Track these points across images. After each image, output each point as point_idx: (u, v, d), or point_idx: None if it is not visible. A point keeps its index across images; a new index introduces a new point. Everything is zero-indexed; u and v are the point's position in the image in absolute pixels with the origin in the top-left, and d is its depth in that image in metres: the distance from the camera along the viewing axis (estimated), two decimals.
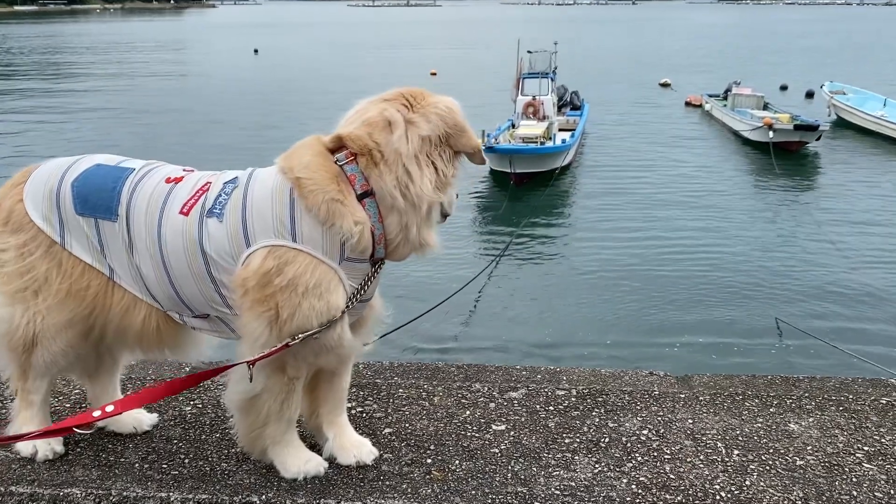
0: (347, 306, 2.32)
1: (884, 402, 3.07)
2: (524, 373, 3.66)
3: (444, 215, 2.46)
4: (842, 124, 29.14)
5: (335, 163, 2.30)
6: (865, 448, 2.71)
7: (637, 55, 60.55)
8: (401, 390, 3.17)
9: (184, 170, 2.54)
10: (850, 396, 3.12)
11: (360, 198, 2.28)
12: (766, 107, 29.68)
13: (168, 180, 2.46)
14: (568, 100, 29.51)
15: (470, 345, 11.27)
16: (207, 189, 2.40)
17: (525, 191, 20.16)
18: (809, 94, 37.62)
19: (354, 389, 3.14)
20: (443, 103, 2.39)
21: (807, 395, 3.15)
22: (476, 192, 20.34)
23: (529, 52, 26.32)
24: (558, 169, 21.33)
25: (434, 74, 50.09)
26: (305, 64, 55.47)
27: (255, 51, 66.94)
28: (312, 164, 2.29)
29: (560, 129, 24.82)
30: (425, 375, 3.42)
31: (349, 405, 2.92)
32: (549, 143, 21.59)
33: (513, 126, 23.99)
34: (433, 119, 2.34)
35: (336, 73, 49.22)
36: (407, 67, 52.53)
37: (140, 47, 72.00)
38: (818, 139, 24.52)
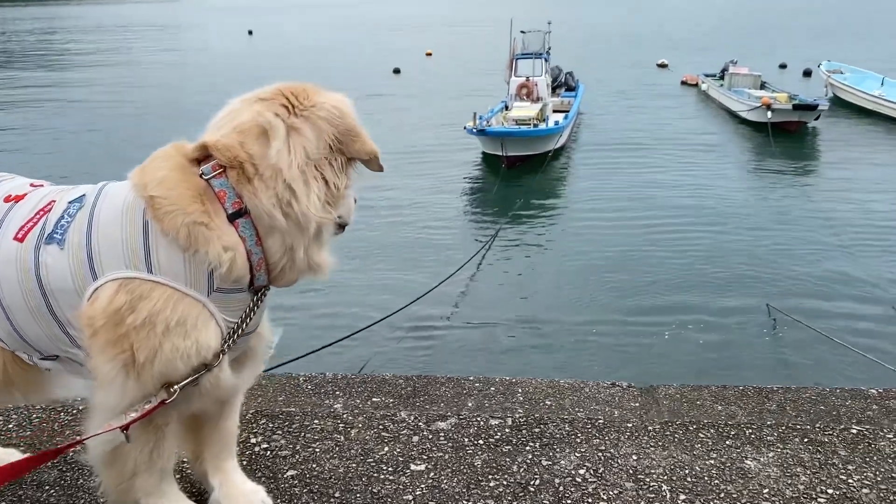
0: (225, 344, 1.98)
1: (854, 431, 2.76)
2: (477, 384, 3.37)
3: (342, 226, 2.11)
4: (839, 103, 28.70)
5: (200, 176, 1.92)
6: (830, 491, 2.40)
7: (634, 34, 59.82)
8: (315, 422, 2.85)
9: (31, 184, 2.17)
10: (818, 426, 2.80)
11: (232, 217, 1.92)
12: (763, 86, 29.32)
13: (7, 199, 2.08)
14: (562, 81, 29.09)
15: (453, 335, 11.00)
16: (50, 209, 2.03)
17: (517, 174, 19.81)
18: (807, 73, 37.21)
19: (264, 420, 2.83)
20: (330, 103, 2.01)
21: (771, 422, 2.84)
22: (467, 176, 20.00)
23: (523, 32, 25.88)
24: (551, 152, 20.96)
25: (430, 55, 49.66)
26: (300, 45, 54.87)
27: (250, 32, 66.31)
28: (169, 178, 1.92)
29: (554, 111, 24.47)
30: (366, 391, 3.12)
31: (254, 440, 2.61)
32: (543, 126, 21.19)
33: (506, 108, 23.63)
34: (320, 123, 1.96)
35: (330, 54, 48.70)
36: (403, 47, 51.96)
37: (135, 30, 71.26)
38: (817, 119, 24.21)
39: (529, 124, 21.05)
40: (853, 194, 17.77)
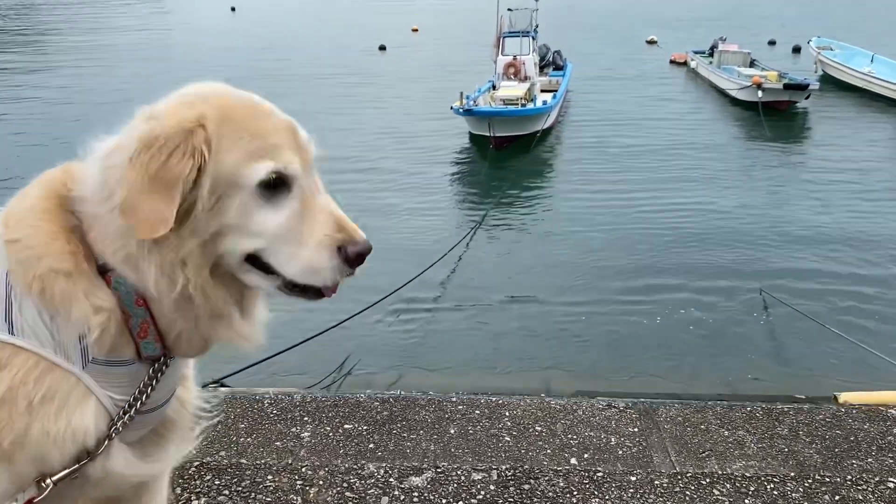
0: (112, 428, 1.59)
1: (891, 486, 2.49)
2: (460, 407, 3.13)
3: (294, 286, 1.64)
4: (828, 80, 28.46)
5: (73, 213, 1.56)
6: None
7: (622, 10, 59.23)
8: (269, 478, 2.55)
9: None
10: (849, 478, 2.53)
11: (104, 271, 1.54)
12: (752, 64, 29.05)
13: None
14: (550, 59, 28.69)
15: (439, 323, 10.77)
16: None
17: (506, 155, 19.50)
18: (796, 50, 36.96)
19: (210, 477, 2.53)
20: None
21: (793, 474, 2.58)
22: (454, 157, 19.65)
23: (510, 9, 25.42)
24: (540, 132, 20.63)
25: (416, 31, 49.04)
26: (283, 21, 53.96)
27: (233, 8, 65.22)
28: (34, 212, 1.54)
29: (542, 90, 24.12)
30: (338, 417, 2.85)
31: (196, 501, 2.31)
32: (531, 105, 20.82)
33: (493, 87, 23.24)
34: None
35: (314, 30, 47.98)
36: (389, 23, 51.23)
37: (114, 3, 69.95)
38: (807, 98, 24.00)
39: (517, 104, 20.69)
40: (847, 175, 17.60)
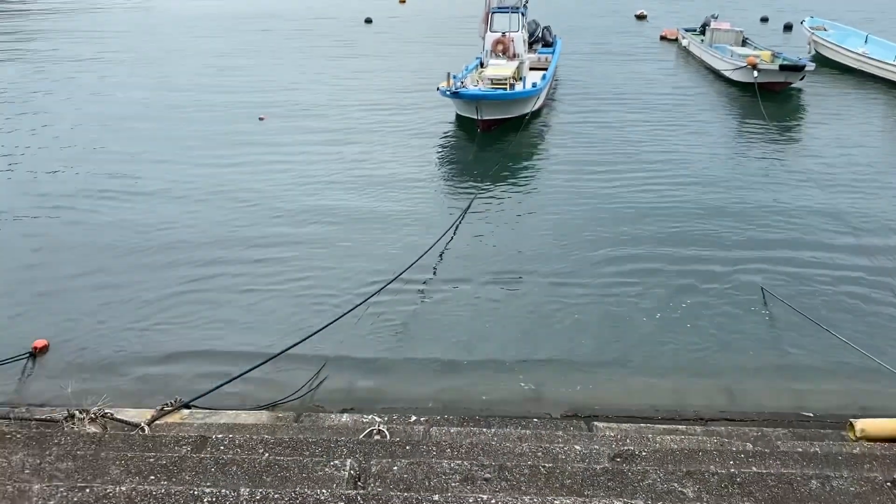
0: None
1: None
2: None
3: None
4: (821, 61, 27.96)
5: None
6: None
7: None
8: None
9: None
10: None
11: None
12: (744, 42, 28.50)
13: None
14: (539, 35, 27.92)
15: (427, 314, 10.32)
16: None
17: (493, 138, 18.94)
18: (787, 27, 36.41)
19: None
20: None
21: None
22: (440, 141, 19.05)
23: None
24: (529, 114, 20.04)
25: (403, 2, 48.06)
26: None
27: None
28: None
29: (531, 69, 23.45)
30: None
31: None
32: (519, 86, 20.19)
33: (481, 65, 22.56)
34: None
35: (300, 1, 46.89)
36: None
37: None
38: (802, 79, 23.54)
39: (506, 84, 20.05)
40: (850, 159, 17.17)
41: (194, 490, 2.76)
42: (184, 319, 10.05)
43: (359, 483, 2.95)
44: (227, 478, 3.08)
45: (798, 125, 20.68)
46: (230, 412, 6.87)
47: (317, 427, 5.73)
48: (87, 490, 2.86)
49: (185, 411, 6.87)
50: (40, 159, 17.10)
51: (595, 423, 6.76)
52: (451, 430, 5.43)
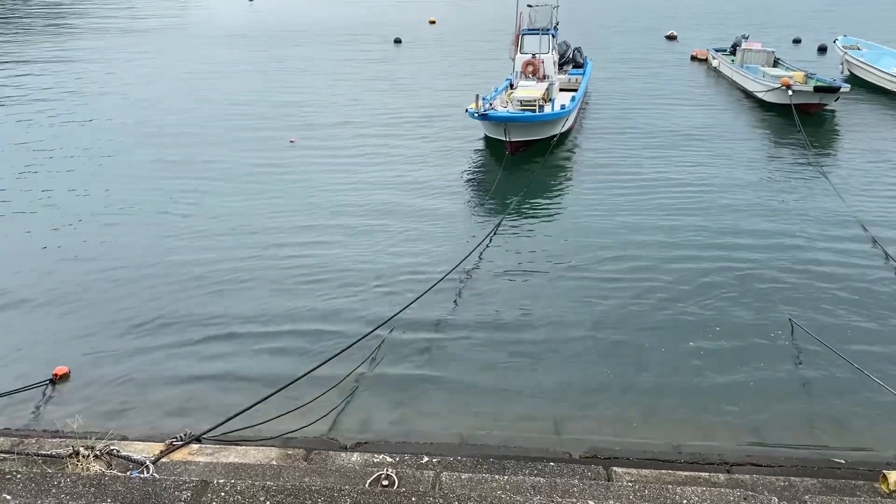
0: None
1: None
2: None
3: None
4: (855, 81, 27.41)
5: None
6: None
7: (642, 4, 58.08)
8: None
9: None
10: None
11: None
12: (776, 63, 28.12)
13: None
14: (570, 57, 27.81)
15: (449, 339, 10.17)
16: None
17: (522, 160, 18.79)
18: (822, 49, 35.85)
19: None
20: None
21: None
22: (469, 164, 18.93)
23: (530, 6, 24.56)
24: (557, 136, 19.87)
25: (433, 23, 48.26)
26: (299, 13, 53.29)
27: (250, 0, 64.64)
28: None
29: (561, 89, 23.33)
30: None
31: None
32: (548, 108, 20.05)
33: (510, 86, 22.48)
34: None
35: (331, 22, 47.30)
36: (406, 14, 50.49)
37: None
38: (836, 100, 23.08)
39: (535, 106, 19.92)
40: (887, 185, 16.69)
41: None
42: (203, 349, 9.99)
43: None
44: None
45: (835, 148, 20.16)
46: (239, 448, 6.75)
47: (325, 469, 5.58)
48: None
49: (195, 446, 6.76)
50: (78, 185, 17.29)
51: (614, 468, 6.51)
52: (463, 477, 5.25)
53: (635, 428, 8.21)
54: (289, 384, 8.21)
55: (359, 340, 9.46)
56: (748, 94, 26.06)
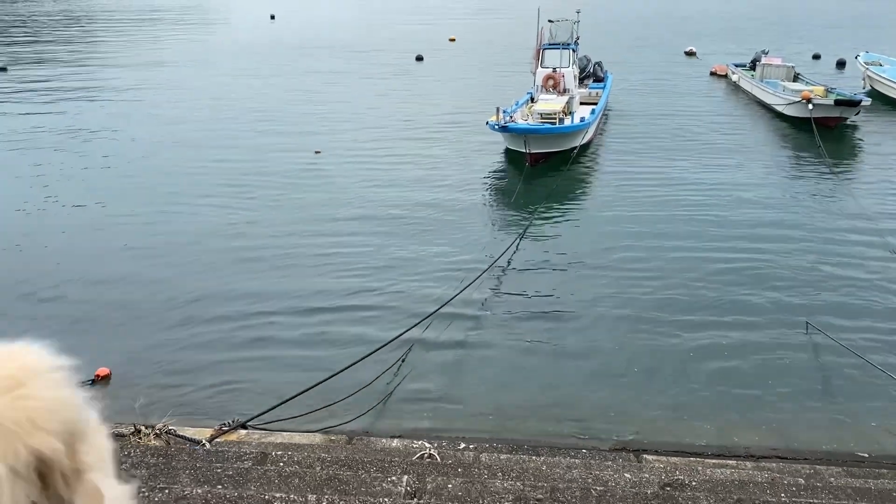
0: None
1: None
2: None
3: None
4: (876, 97, 27.56)
5: None
6: None
7: (661, 21, 58.46)
8: None
9: None
10: None
11: None
12: (796, 78, 28.29)
13: None
14: (591, 71, 28.15)
15: (467, 357, 10.31)
16: None
17: (541, 172, 19.09)
18: (840, 64, 36.04)
19: None
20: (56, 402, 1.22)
21: None
22: (489, 174, 19.27)
23: (550, 21, 24.97)
24: (577, 148, 20.17)
25: (453, 41, 48.80)
26: (321, 31, 54.06)
27: (272, 17, 65.63)
28: None
29: (582, 103, 23.64)
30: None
31: None
32: (568, 121, 20.38)
33: (531, 100, 22.83)
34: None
35: (352, 40, 47.96)
36: (426, 32, 51.08)
37: (158, 11, 70.83)
38: (857, 114, 23.25)
39: (555, 119, 20.25)
40: None
41: (265, 495, 2.90)
42: (241, 343, 10.35)
43: (416, 498, 3.06)
44: (291, 489, 3.23)
45: (854, 161, 20.38)
46: (285, 434, 7.07)
47: (369, 449, 5.86)
48: (167, 491, 3.02)
49: (242, 431, 7.09)
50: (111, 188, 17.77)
51: (644, 455, 6.79)
52: (501, 457, 5.52)
53: (661, 425, 8.47)
54: (327, 379, 8.57)
55: (399, 336, 9.92)
56: (768, 108, 26.27)
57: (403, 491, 3.17)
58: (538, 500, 3.06)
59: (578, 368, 9.76)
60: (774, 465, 6.33)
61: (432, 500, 2.64)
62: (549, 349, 10.23)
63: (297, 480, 3.28)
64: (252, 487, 3.21)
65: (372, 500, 2.92)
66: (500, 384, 9.39)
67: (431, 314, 10.69)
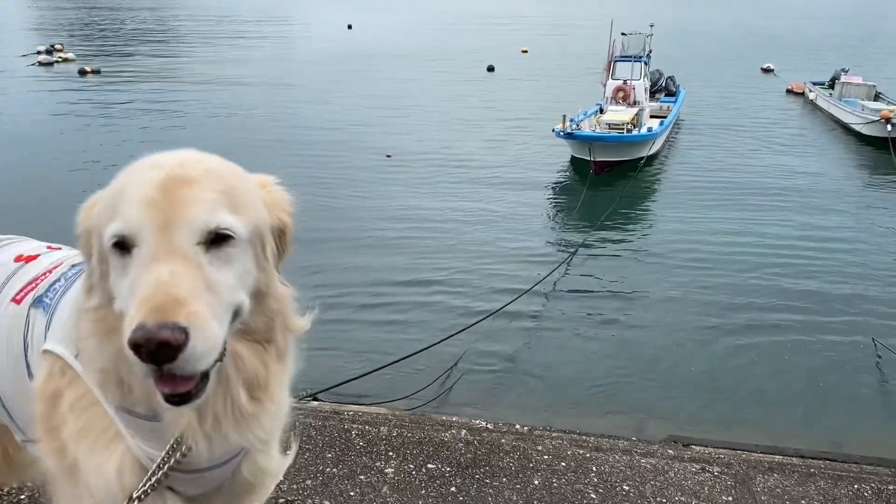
0: (141, 489, 1.46)
1: None
2: (546, 457, 3.06)
3: None
4: None
5: None
6: None
7: (738, 36, 57.60)
8: None
9: (48, 247, 1.96)
10: None
11: None
12: (877, 97, 27.59)
13: (18, 258, 1.88)
14: (663, 85, 28.07)
15: (526, 360, 10.48)
16: (52, 272, 1.79)
17: (606, 180, 19.16)
18: None
19: None
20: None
21: None
22: (553, 181, 19.48)
23: (623, 34, 25.09)
24: (644, 159, 20.20)
25: (525, 52, 49.11)
26: (396, 40, 55.05)
27: (349, 26, 66.96)
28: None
29: (652, 116, 23.65)
30: (422, 455, 2.83)
31: None
32: (636, 131, 20.46)
33: (600, 111, 22.98)
34: None
35: (426, 50, 48.72)
36: (499, 44, 51.50)
37: (244, 20, 73.17)
38: None
39: (623, 129, 20.36)
40: None
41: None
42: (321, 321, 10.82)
43: (472, 468, 3.37)
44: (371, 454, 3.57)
45: None
46: (352, 406, 7.49)
47: (433, 422, 6.23)
48: None
49: (314, 403, 7.53)
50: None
51: (692, 445, 6.93)
52: (553, 435, 5.79)
53: (711, 426, 8.56)
54: (391, 364, 9.06)
55: (464, 329, 10.34)
56: (845, 128, 25.72)
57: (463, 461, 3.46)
58: (593, 484, 3.33)
59: (632, 375, 9.90)
60: (823, 463, 6.38)
61: (487, 473, 2.94)
62: (605, 354, 10.45)
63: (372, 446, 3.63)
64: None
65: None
66: (555, 380, 9.69)
67: (500, 309, 11.08)
